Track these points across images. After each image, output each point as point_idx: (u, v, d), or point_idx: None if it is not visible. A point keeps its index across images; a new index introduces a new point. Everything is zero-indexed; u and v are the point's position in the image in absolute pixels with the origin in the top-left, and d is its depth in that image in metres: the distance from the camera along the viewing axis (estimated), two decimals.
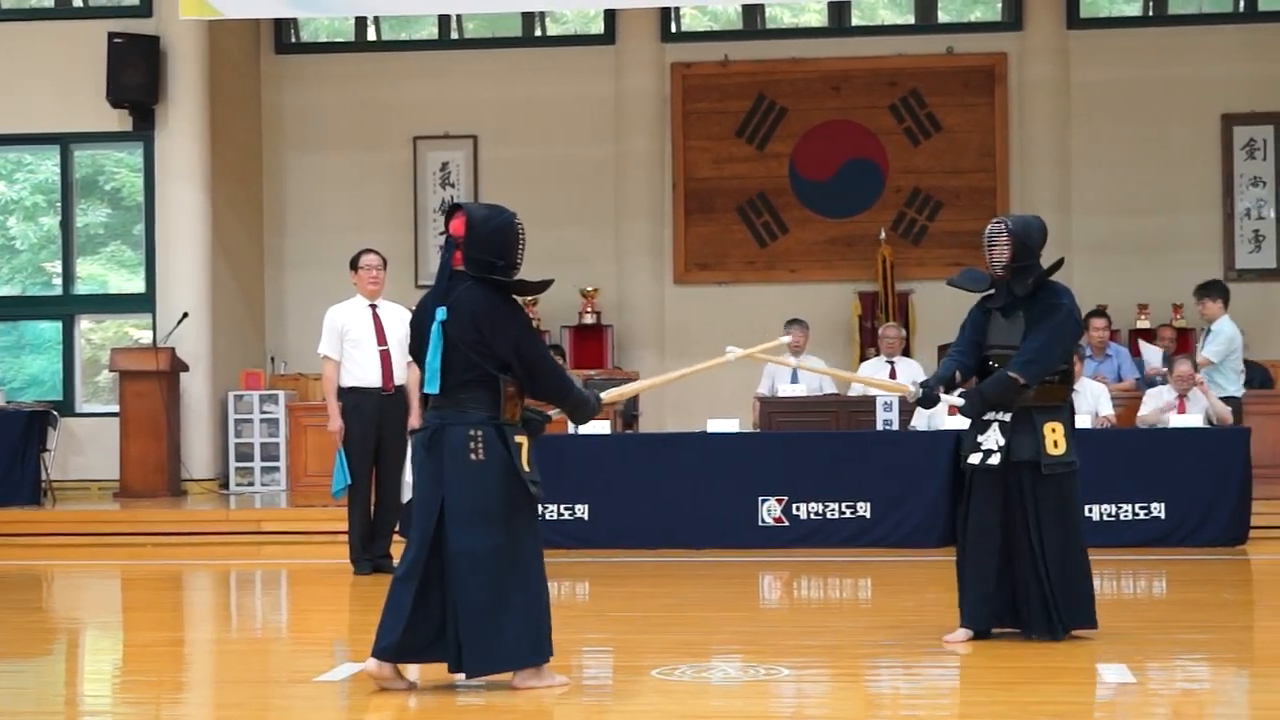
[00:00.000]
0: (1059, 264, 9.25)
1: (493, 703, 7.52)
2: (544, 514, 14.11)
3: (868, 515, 14.02)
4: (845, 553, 13.70)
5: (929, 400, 9.17)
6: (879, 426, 14.86)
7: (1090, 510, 13.76)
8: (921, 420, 14.84)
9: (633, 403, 18.08)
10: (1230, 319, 15.60)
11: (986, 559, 8.96)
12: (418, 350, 7.77)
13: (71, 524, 16.13)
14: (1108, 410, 14.85)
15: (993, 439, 8.96)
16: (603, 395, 8.19)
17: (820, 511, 14.10)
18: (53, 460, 18.07)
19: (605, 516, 14.14)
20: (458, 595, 7.53)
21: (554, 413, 8.03)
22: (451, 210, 7.78)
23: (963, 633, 8.99)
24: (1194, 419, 14.45)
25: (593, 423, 14.63)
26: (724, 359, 8.77)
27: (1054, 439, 8.90)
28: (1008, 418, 8.93)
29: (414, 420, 12.70)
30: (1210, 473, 13.81)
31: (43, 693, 8.40)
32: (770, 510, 14.11)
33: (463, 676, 7.66)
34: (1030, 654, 8.59)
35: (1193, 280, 19.38)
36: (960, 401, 9.07)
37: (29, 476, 17.39)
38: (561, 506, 14.13)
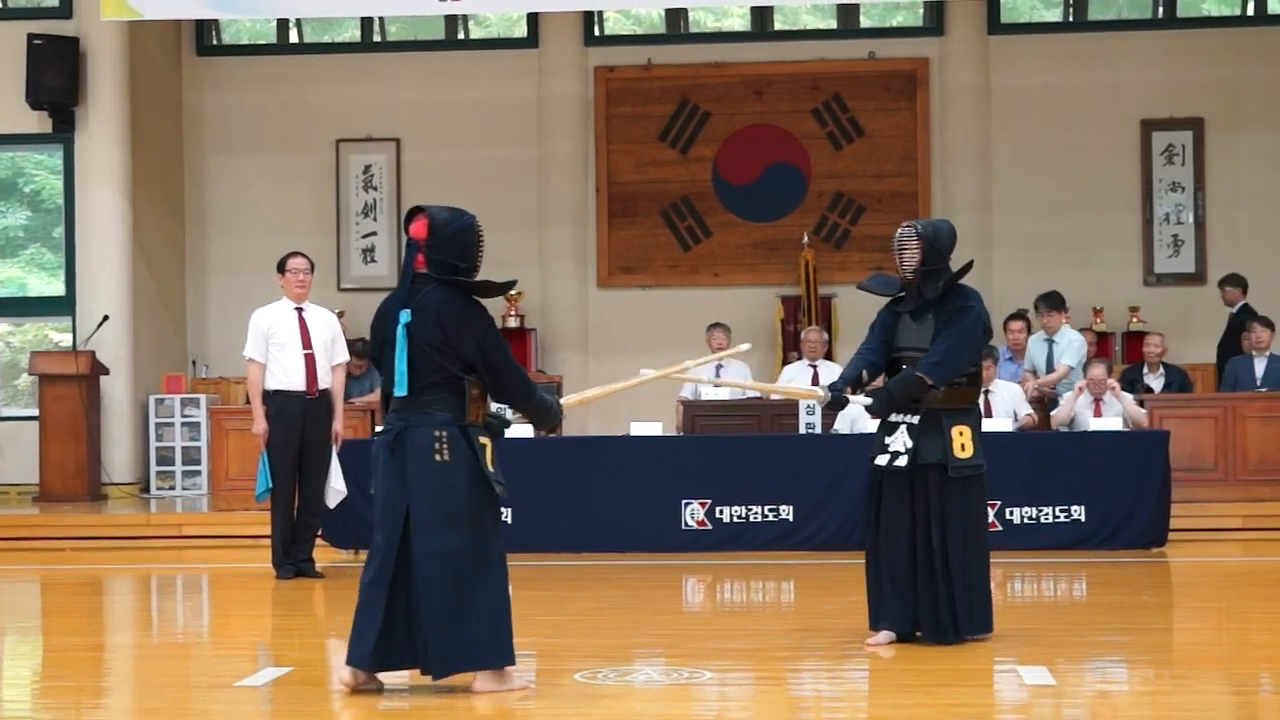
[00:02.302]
0: (968, 267, 9.30)
1: (417, 704, 7.51)
2: None
3: (790, 518, 14.07)
4: (768, 556, 13.74)
5: (838, 403, 9.22)
6: (801, 430, 14.91)
7: (1011, 513, 13.87)
8: (844, 423, 14.89)
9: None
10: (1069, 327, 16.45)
11: (900, 562, 8.99)
12: (379, 353, 7.79)
13: None
14: (1025, 410, 14.96)
15: (900, 441, 9.00)
16: (563, 400, 8.24)
17: (743, 515, 14.14)
18: None
19: (528, 520, 14.12)
20: (423, 597, 7.53)
21: (514, 417, 8.07)
22: (412, 213, 7.83)
23: (884, 635, 9.03)
24: (1113, 422, 14.56)
25: (516, 426, 14.69)
26: (683, 366, 8.95)
27: (961, 442, 8.95)
28: (916, 420, 8.97)
29: (338, 424, 12.70)
30: (1130, 476, 13.92)
31: None
32: (693, 513, 14.14)
33: (431, 679, 7.67)
34: (950, 656, 8.64)
35: (1113, 284, 19.63)
36: (869, 401, 9.12)
37: None
38: None
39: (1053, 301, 16.36)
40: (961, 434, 8.95)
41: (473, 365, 7.64)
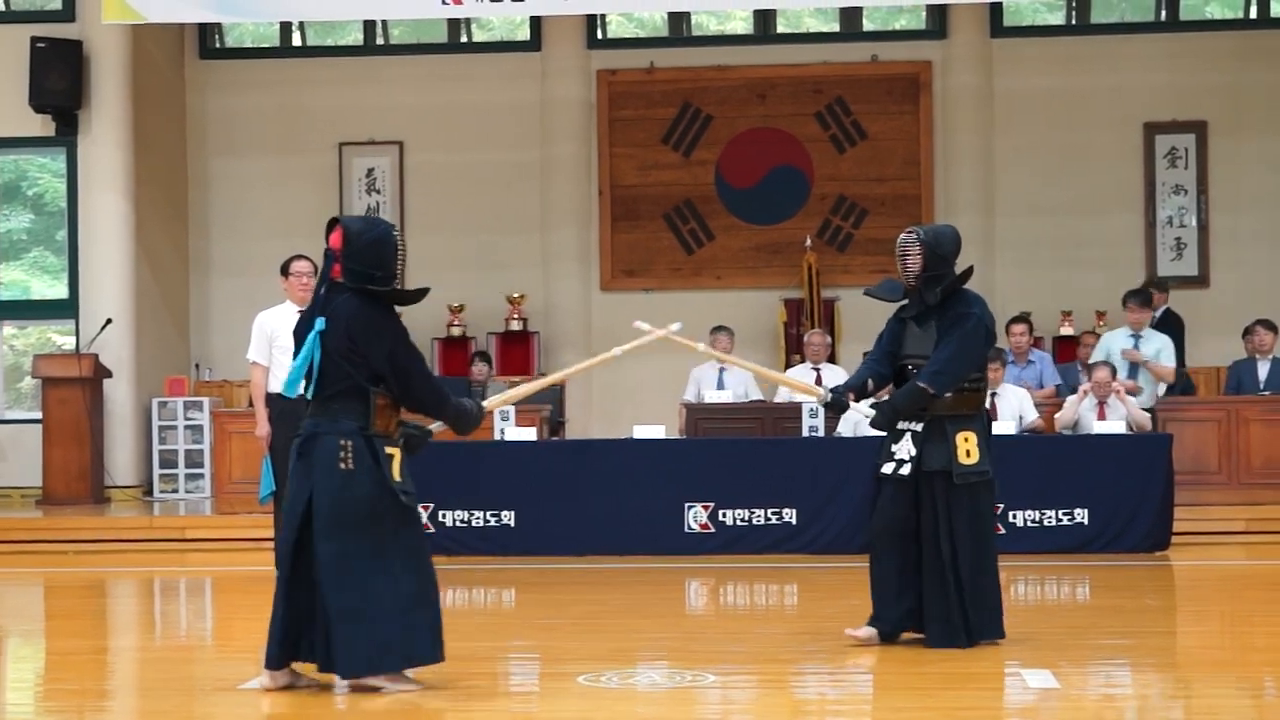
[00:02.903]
0: (969, 272, 9.28)
1: (419, 704, 7.51)
2: (469, 521, 14.14)
3: (793, 521, 14.07)
4: (771, 559, 13.74)
5: (838, 405, 9.22)
6: (805, 433, 14.90)
7: (1014, 516, 13.86)
8: (847, 427, 14.89)
9: (558, 409, 18.08)
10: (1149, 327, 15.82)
11: (892, 564, 8.99)
12: (298, 357, 7.90)
13: None
14: (1032, 416, 14.94)
15: (905, 448, 8.99)
16: (484, 403, 8.33)
17: (746, 518, 14.14)
18: None
19: (531, 523, 14.14)
20: (324, 599, 7.66)
21: (435, 426, 8.14)
22: (330, 224, 7.92)
23: (867, 631, 9.03)
24: (1116, 425, 14.56)
25: (518, 429, 14.72)
26: (608, 355, 8.93)
27: (966, 448, 8.93)
28: (920, 427, 8.96)
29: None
30: (1133, 479, 13.91)
31: None
32: (696, 516, 14.14)
33: (337, 679, 7.79)
34: (954, 660, 8.63)
35: (1116, 287, 19.50)
36: (872, 412, 9.11)
37: None
38: (487, 513, 14.13)
39: (1144, 298, 15.98)
40: (967, 440, 8.94)
41: (381, 375, 7.74)
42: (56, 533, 15.88)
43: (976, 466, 8.94)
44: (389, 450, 7.75)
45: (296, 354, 7.93)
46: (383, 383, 7.75)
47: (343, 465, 7.67)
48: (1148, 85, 20.39)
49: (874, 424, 9.18)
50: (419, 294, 8.03)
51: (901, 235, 9.13)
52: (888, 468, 9.04)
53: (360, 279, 7.77)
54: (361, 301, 7.75)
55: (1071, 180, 20.42)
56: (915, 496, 8.98)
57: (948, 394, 8.92)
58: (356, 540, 7.63)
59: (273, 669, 7.86)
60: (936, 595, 8.90)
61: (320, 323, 7.75)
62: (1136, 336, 15.73)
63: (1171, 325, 17.05)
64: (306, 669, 7.95)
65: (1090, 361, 15.55)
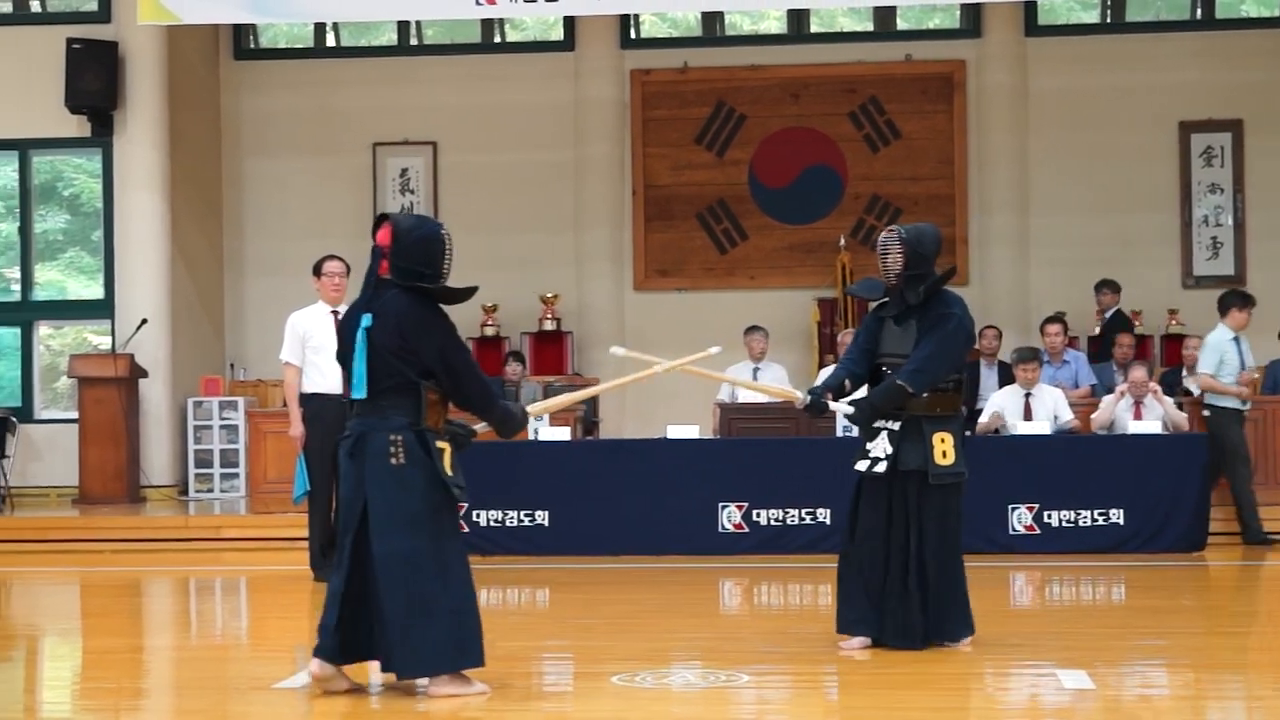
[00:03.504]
0: (951, 272, 9.26)
1: (455, 708, 7.52)
2: (504, 521, 14.16)
3: (827, 521, 14.05)
4: (805, 559, 13.72)
5: (816, 407, 9.18)
6: (839, 433, 14.88)
7: (1049, 516, 13.85)
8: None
9: (592, 409, 18.08)
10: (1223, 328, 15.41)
11: (874, 567, 8.97)
12: (343, 355, 7.88)
13: (30, 531, 16.10)
14: (1067, 415, 14.87)
15: (881, 446, 8.96)
16: (529, 408, 8.33)
17: (780, 518, 14.14)
18: (11, 467, 18.02)
19: (565, 523, 14.15)
20: (383, 598, 7.63)
21: (480, 427, 8.14)
22: (378, 220, 7.92)
23: (859, 640, 9.00)
24: (1152, 425, 14.51)
25: (553, 429, 14.73)
26: (652, 370, 8.95)
27: (943, 449, 8.89)
28: (897, 426, 8.94)
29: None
30: (1169, 479, 13.88)
31: (1, 699, 8.36)
32: (730, 516, 14.14)
33: (394, 677, 7.78)
34: (990, 659, 8.62)
35: (1152, 287, 19.50)
36: (850, 409, 9.09)
37: None
38: (521, 513, 14.14)
39: (1247, 299, 15.67)
40: (943, 441, 8.90)
41: (432, 371, 7.73)
42: (93, 532, 15.94)
43: (952, 468, 8.90)
44: (440, 445, 7.73)
45: (342, 351, 7.92)
46: (432, 378, 7.73)
47: (394, 461, 7.65)
48: (1183, 84, 20.32)
49: (852, 420, 9.18)
50: (468, 292, 7.98)
51: (883, 234, 9.11)
52: (862, 465, 9.00)
53: (408, 276, 7.75)
54: (411, 298, 7.73)
55: (1106, 179, 20.36)
56: (889, 496, 8.95)
57: (925, 393, 8.89)
58: (414, 539, 7.61)
59: (324, 659, 7.81)
60: (897, 594, 8.87)
61: (367, 319, 7.74)
62: (1238, 339, 15.35)
63: (1124, 326, 17.08)
64: (359, 672, 7.94)
65: (1199, 370, 15.25)
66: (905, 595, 8.84)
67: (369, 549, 7.67)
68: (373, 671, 8.01)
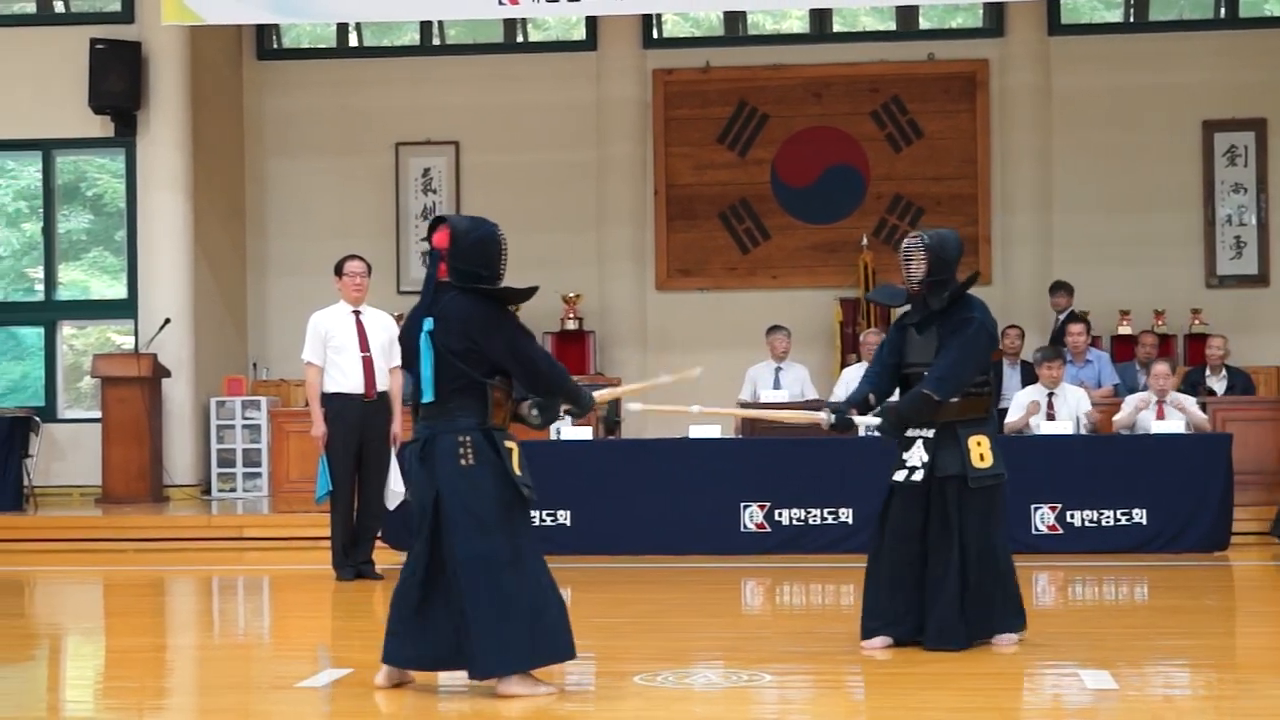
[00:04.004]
0: (974, 278, 9.25)
1: (478, 709, 7.52)
2: None
3: (850, 521, 14.03)
4: (827, 558, 13.71)
5: (842, 424, 9.16)
6: (862, 432, 14.84)
7: (1072, 516, 13.82)
8: None
9: (614, 408, 18.08)
10: None
11: (905, 568, 8.97)
12: (407, 361, 7.93)
13: (53, 530, 16.15)
14: (1090, 415, 14.85)
15: (917, 455, 8.95)
16: (595, 394, 8.33)
17: (802, 517, 14.13)
18: (35, 466, 18.04)
19: (587, 522, 14.15)
20: (466, 600, 7.62)
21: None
22: (435, 223, 7.92)
23: (880, 640, 9.00)
24: (1175, 425, 14.47)
25: (574, 429, 14.73)
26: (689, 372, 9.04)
27: (979, 452, 8.87)
28: (931, 434, 8.93)
29: (396, 427, 12.70)
30: (1192, 479, 13.84)
31: (25, 699, 8.38)
32: (752, 516, 14.13)
33: (486, 680, 7.76)
34: (1011, 660, 8.61)
35: (1175, 286, 19.43)
36: (877, 421, 9.08)
37: (11, 482, 17.37)
38: (543, 512, 14.13)
39: None
40: (980, 444, 8.89)
41: (500, 367, 7.76)
42: (116, 531, 15.98)
43: (991, 470, 8.89)
44: (508, 444, 7.77)
45: (406, 358, 7.96)
46: (498, 375, 7.76)
47: (464, 462, 7.68)
48: (1206, 83, 20.27)
49: (881, 432, 9.18)
50: (529, 292, 7.99)
51: (905, 240, 9.08)
52: (899, 475, 9.00)
53: (467, 278, 7.76)
54: (472, 300, 7.75)
55: (1130, 179, 20.31)
56: (926, 502, 8.94)
57: (953, 399, 8.88)
58: (491, 540, 7.63)
59: (393, 665, 7.86)
60: (938, 598, 8.86)
61: (428, 323, 7.77)
62: None
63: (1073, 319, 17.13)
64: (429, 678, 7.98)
65: None
66: (947, 600, 8.82)
67: (447, 552, 7.69)
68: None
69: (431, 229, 7.90)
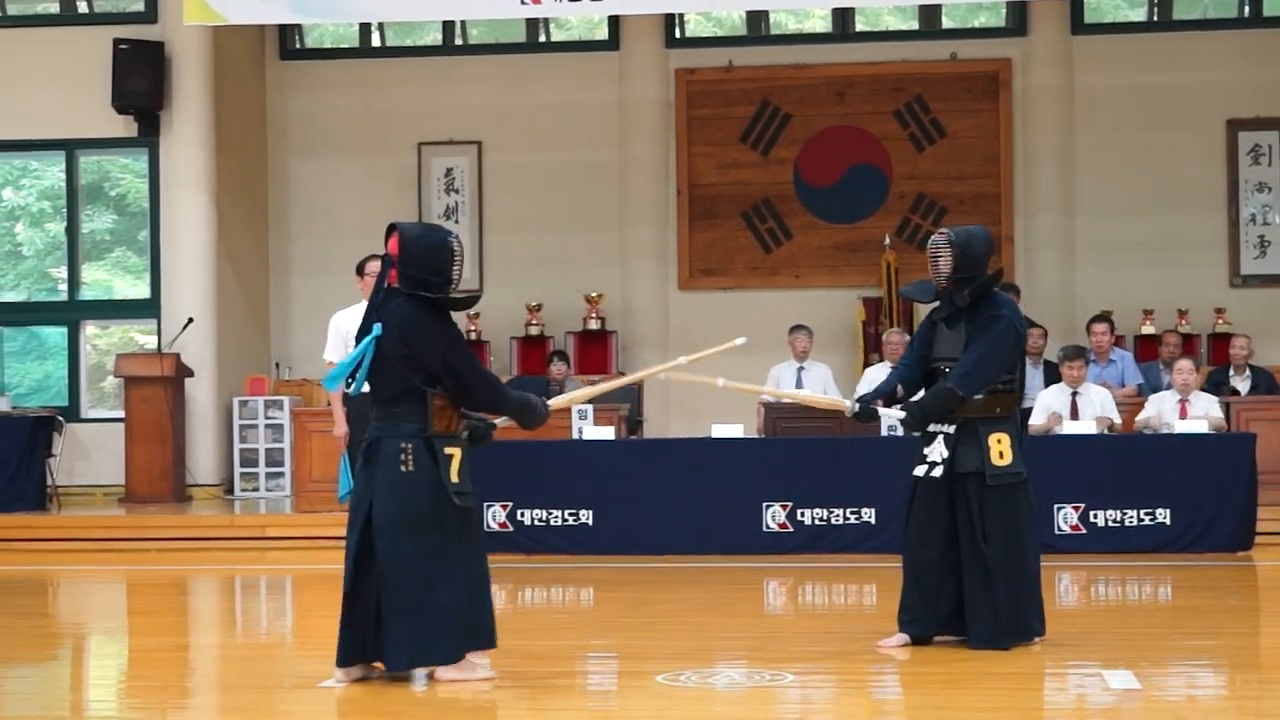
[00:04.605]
0: (999, 275, 9.26)
1: (497, 701, 7.53)
2: (548, 520, 14.16)
3: (872, 521, 14.03)
4: (849, 558, 13.71)
5: (866, 414, 9.20)
6: (884, 432, 14.85)
7: (1096, 516, 13.80)
8: None
9: (636, 408, 18.09)
10: None
11: (927, 567, 8.97)
12: (341, 354, 8.13)
13: (76, 529, 16.17)
14: (1112, 413, 14.83)
15: (937, 451, 8.96)
16: (550, 402, 8.46)
17: (825, 517, 14.12)
18: (58, 466, 18.08)
19: (609, 522, 14.16)
20: (384, 598, 7.85)
21: (500, 421, 8.34)
22: (388, 230, 8.10)
23: (899, 638, 9.01)
24: (1198, 425, 14.44)
25: (597, 428, 14.74)
26: (675, 363, 9.11)
27: (999, 450, 8.88)
28: (952, 429, 8.93)
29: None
30: (1216, 479, 13.82)
31: (48, 698, 8.41)
32: (774, 516, 14.12)
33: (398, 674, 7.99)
34: (1033, 659, 8.60)
35: (1199, 286, 19.37)
36: (902, 414, 9.08)
37: (34, 482, 17.41)
38: (565, 512, 14.15)
39: None
40: (1000, 442, 8.89)
41: (438, 377, 7.89)
42: (139, 531, 15.99)
43: (1010, 468, 8.88)
44: (449, 450, 7.93)
45: (349, 353, 8.15)
46: (439, 384, 7.90)
47: (404, 468, 7.86)
48: (1230, 82, 20.21)
49: (904, 425, 9.18)
50: (470, 299, 8.29)
51: (933, 236, 9.11)
52: (920, 470, 9.01)
53: (415, 285, 7.94)
54: (414, 306, 7.92)
55: (1153, 178, 20.26)
56: (950, 498, 8.94)
57: (977, 396, 8.87)
58: (417, 541, 7.82)
59: (341, 666, 8.04)
60: (980, 596, 8.85)
61: (377, 328, 7.93)
62: None
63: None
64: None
65: None
66: (990, 598, 8.82)
67: (374, 548, 7.87)
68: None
69: (386, 236, 8.07)
